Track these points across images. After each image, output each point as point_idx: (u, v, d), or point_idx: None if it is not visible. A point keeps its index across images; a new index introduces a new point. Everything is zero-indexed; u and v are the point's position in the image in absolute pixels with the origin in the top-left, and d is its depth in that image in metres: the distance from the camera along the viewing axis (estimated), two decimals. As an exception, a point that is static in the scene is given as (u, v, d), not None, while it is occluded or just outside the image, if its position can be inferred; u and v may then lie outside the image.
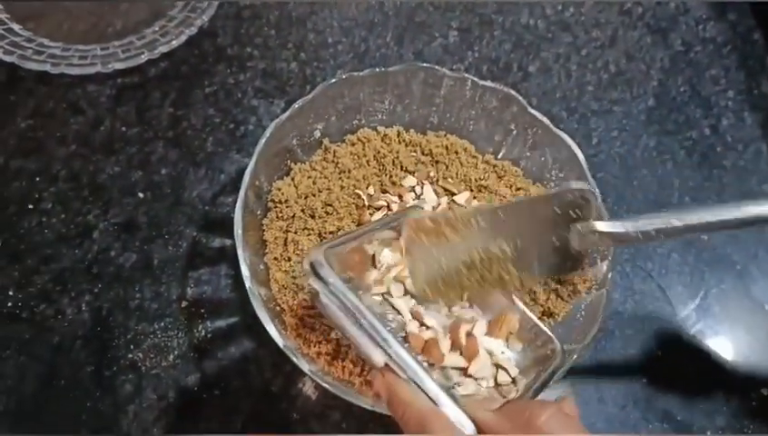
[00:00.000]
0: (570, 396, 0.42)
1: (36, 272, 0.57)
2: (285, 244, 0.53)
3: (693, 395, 0.57)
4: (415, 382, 0.38)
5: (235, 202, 0.59)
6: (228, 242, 0.59)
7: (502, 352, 0.47)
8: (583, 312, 0.51)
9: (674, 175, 0.67)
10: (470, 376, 0.45)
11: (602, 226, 0.44)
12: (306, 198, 0.54)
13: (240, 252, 0.48)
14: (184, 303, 0.57)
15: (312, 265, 0.41)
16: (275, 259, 0.52)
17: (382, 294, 0.47)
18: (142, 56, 0.64)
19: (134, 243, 0.59)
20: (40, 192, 0.60)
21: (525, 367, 0.47)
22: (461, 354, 0.45)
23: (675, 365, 0.58)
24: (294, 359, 0.45)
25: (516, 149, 0.59)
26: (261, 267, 0.52)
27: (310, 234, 0.53)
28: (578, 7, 0.77)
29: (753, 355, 0.59)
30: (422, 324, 0.46)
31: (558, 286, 0.53)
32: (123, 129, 0.64)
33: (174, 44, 0.66)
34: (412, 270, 0.44)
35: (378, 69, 0.57)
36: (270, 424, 0.53)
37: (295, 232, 0.53)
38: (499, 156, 0.60)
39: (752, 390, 0.57)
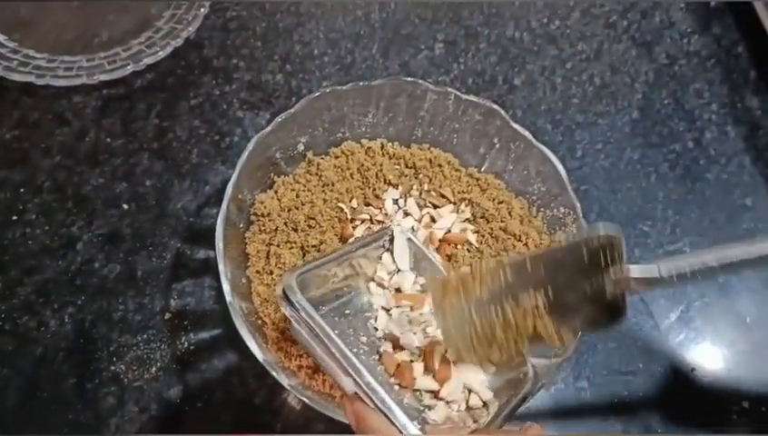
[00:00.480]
0: (535, 424, 0.42)
1: (20, 283, 0.57)
2: (267, 257, 0.53)
3: (674, 408, 0.57)
4: (384, 412, 0.39)
5: (219, 213, 0.60)
6: (212, 253, 0.60)
7: (475, 374, 0.47)
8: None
9: (658, 188, 0.68)
10: (442, 399, 0.45)
11: (636, 271, 0.41)
12: (289, 211, 0.55)
13: (221, 266, 0.48)
14: (168, 315, 0.57)
15: (284, 291, 0.41)
16: (257, 272, 0.53)
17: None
18: (128, 68, 0.65)
19: (118, 255, 0.59)
20: (24, 203, 0.60)
21: (497, 389, 0.46)
22: (434, 377, 0.45)
23: (657, 378, 0.58)
24: (274, 373, 0.45)
25: (499, 162, 0.60)
26: (243, 280, 0.52)
27: (292, 248, 0.53)
28: (564, 20, 0.78)
29: (735, 368, 0.59)
30: (396, 346, 0.46)
31: None
32: (108, 140, 0.64)
33: (161, 55, 0.66)
34: (445, 332, 0.43)
35: (362, 83, 0.58)
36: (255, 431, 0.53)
37: (278, 246, 0.53)
38: (482, 169, 0.61)
39: (733, 403, 0.58)
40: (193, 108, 0.67)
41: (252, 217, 0.55)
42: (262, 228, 0.54)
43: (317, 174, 0.58)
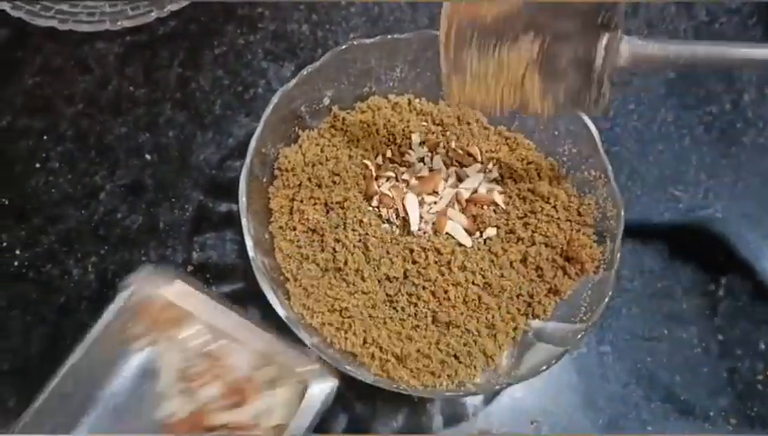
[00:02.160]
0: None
1: (43, 231, 0.58)
2: (291, 213, 0.53)
3: (697, 375, 0.57)
4: None
5: (242, 167, 0.60)
6: (234, 207, 0.60)
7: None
8: (589, 292, 0.52)
9: (692, 151, 0.66)
10: None
11: (627, 41, 0.44)
12: (313, 166, 0.55)
13: (244, 221, 0.48)
14: (190, 268, 0.58)
15: None
16: (280, 228, 0.53)
17: None
18: (152, 14, 0.64)
19: (141, 206, 0.60)
20: (47, 151, 0.61)
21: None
22: None
23: (681, 344, 0.58)
24: (296, 331, 0.46)
25: (529, 121, 0.59)
26: (266, 236, 0.52)
27: (315, 204, 0.53)
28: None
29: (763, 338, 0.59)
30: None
31: (566, 263, 0.53)
32: (131, 89, 0.64)
33: (184, 2, 0.66)
34: (446, 61, 0.46)
35: (390, 36, 0.57)
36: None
37: (301, 201, 0.53)
38: (512, 128, 0.60)
39: (758, 371, 0.58)
40: (217, 58, 0.66)
41: (276, 171, 0.55)
42: (286, 183, 0.54)
43: (342, 129, 0.57)
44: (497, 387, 0.47)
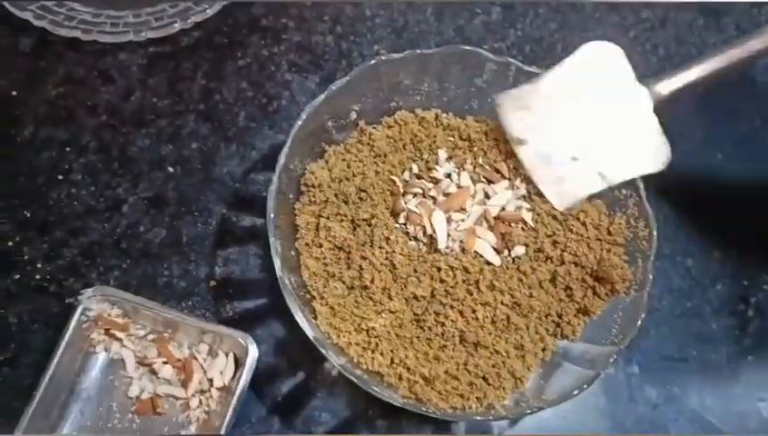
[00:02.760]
0: None
1: (65, 244, 0.57)
2: (317, 230, 0.52)
3: (726, 397, 0.57)
4: None
5: (267, 180, 0.60)
6: (258, 221, 0.60)
7: None
8: (620, 313, 0.51)
9: (721, 169, 0.65)
10: None
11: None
12: (340, 182, 0.54)
13: (272, 240, 0.48)
14: (212, 283, 0.57)
15: None
16: (306, 245, 0.52)
17: None
18: (175, 25, 0.64)
19: (163, 219, 0.59)
20: (70, 162, 0.60)
21: None
22: None
23: (710, 366, 0.57)
24: (324, 351, 0.45)
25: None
26: (292, 253, 0.52)
27: (342, 220, 0.52)
28: (628, -15, 0.75)
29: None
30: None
31: (596, 283, 0.52)
32: (154, 100, 0.64)
33: (209, 12, 0.65)
34: None
35: (418, 51, 0.56)
36: (295, 405, 0.54)
37: (327, 218, 0.52)
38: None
39: (789, 394, 0.57)
40: (241, 69, 0.66)
41: (302, 187, 0.54)
42: (312, 199, 0.54)
43: (369, 144, 0.57)
44: (528, 411, 0.46)
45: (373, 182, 0.54)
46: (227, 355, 0.53)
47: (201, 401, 0.52)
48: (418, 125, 0.58)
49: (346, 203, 0.53)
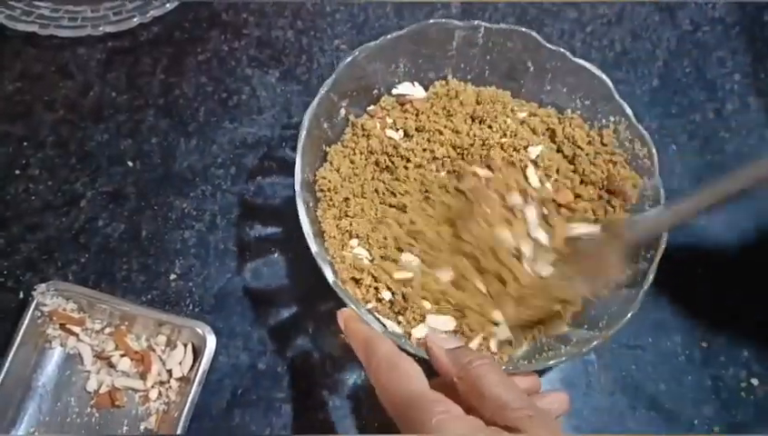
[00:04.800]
0: (564, 394, 0.44)
1: (22, 239, 0.57)
2: (342, 232, 0.52)
3: (681, 384, 0.58)
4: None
5: (226, 175, 0.60)
6: (218, 216, 0.60)
7: None
8: (614, 308, 0.51)
9: (676, 160, 0.67)
10: None
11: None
12: (350, 180, 0.55)
13: (320, 262, 0.48)
14: (172, 276, 0.57)
15: None
16: (336, 250, 0.52)
17: None
18: (134, 19, 0.64)
19: (122, 214, 0.59)
20: (27, 157, 0.60)
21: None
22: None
23: (666, 353, 0.59)
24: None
25: (534, 87, 0.60)
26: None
27: (364, 217, 0.53)
28: (586, -19, 0.76)
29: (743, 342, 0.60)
30: None
31: (611, 197, 0.56)
32: (113, 95, 0.64)
33: (168, 7, 0.65)
34: None
35: (389, 35, 0.56)
36: (256, 396, 0.54)
37: (353, 217, 0.53)
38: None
39: (741, 379, 0.58)
40: (200, 64, 0.66)
41: (318, 194, 0.54)
42: (330, 203, 0.54)
43: (364, 136, 0.57)
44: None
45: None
46: (185, 346, 0.53)
47: (160, 392, 0.53)
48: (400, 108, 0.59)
49: (363, 196, 0.54)
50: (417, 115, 0.58)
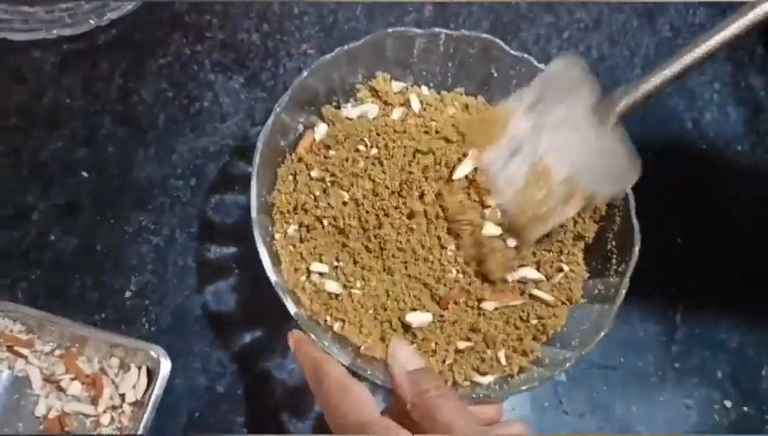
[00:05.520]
0: (524, 424, 0.43)
1: (-31, 254, 0.55)
2: (302, 257, 0.50)
3: (653, 405, 0.57)
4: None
5: (186, 186, 0.58)
6: (177, 230, 0.58)
7: None
8: (586, 324, 0.50)
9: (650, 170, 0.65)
10: None
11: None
12: (303, 207, 0.52)
13: (280, 293, 0.46)
14: (128, 294, 0.56)
15: None
16: (298, 278, 0.50)
17: None
18: (90, 22, 0.61)
19: (76, 227, 0.57)
20: (-25, 167, 0.58)
21: None
22: None
23: (637, 373, 0.58)
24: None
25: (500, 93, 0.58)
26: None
27: (326, 237, 0.51)
28: (563, -15, 0.74)
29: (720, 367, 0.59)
30: None
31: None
32: (68, 101, 0.61)
33: (127, 8, 0.63)
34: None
35: (347, 46, 0.55)
36: (212, 421, 0.53)
37: (314, 240, 0.50)
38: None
39: (715, 401, 0.57)
40: (161, 68, 0.64)
41: (276, 217, 0.51)
42: (286, 226, 0.51)
43: (314, 152, 0.54)
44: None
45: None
46: (139, 369, 0.51)
47: (112, 417, 0.51)
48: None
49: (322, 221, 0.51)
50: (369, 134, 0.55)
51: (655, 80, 0.45)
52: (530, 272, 0.51)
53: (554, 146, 0.48)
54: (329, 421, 0.39)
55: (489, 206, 0.50)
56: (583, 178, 0.48)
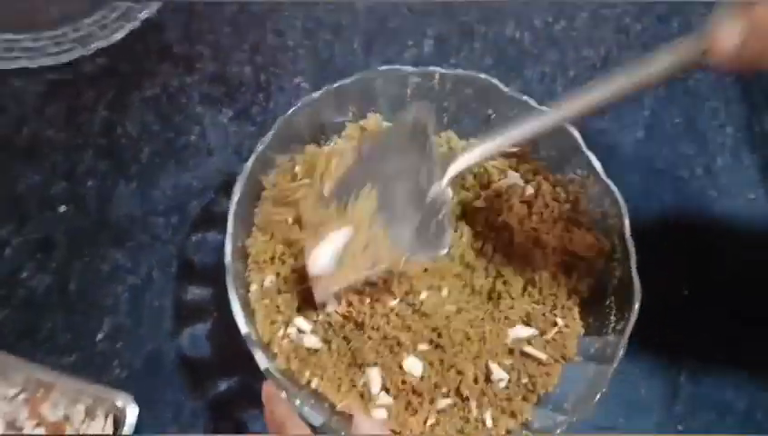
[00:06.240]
0: None
1: (-64, 289, 0.54)
2: (279, 309, 0.49)
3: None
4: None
5: (167, 224, 0.57)
6: (155, 269, 0.57)
7: None
8: (581, 385, 0.48)
9: (657, 220, 0.64)
10: None
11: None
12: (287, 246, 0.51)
13: (251, 347, 0.45)
14: (100, 336, 0.54)
15: None
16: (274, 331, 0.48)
17: None
18: (75, 51, 0.61)
19: (50, 264, 0.56)
20: (-52, 198, 0.57)
21: None
22: None
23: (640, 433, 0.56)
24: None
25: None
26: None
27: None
28: (570, 21, 0.73)
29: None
30: None
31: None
32: (50, 132, 0.61)
33: (115, 37, 0.63)
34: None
35: (336, 84, 0.54)
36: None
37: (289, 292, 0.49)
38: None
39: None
40: (147, 100, 0.63)
41: (252, 265, 0.50)
42: (262, 276, 0.50)
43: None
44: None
45: None
46: (106, 417, 0.50)
47: None
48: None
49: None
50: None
51: (491, 146, 0.45)
52: (522, 331, 0.50)
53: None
54: None
55: None
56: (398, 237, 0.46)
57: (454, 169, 0.46)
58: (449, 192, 0.47)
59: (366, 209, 0.46)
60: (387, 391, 0.47)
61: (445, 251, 0.45)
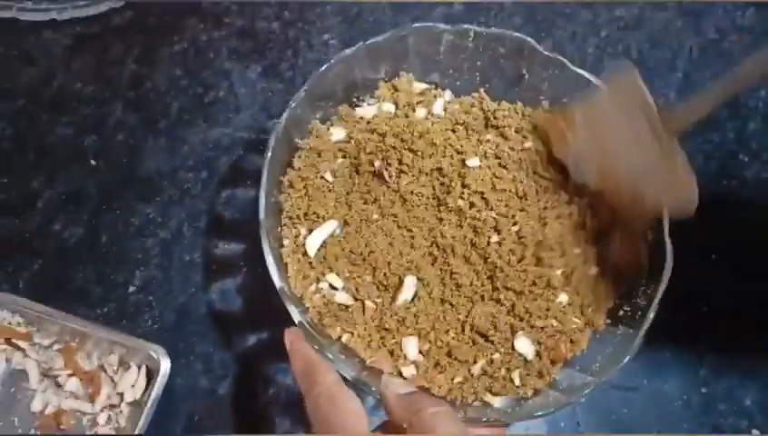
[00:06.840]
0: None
1: (-29, 241, 0.56)
2: (311, 265, 0.50)
3: (675, 430, 0.56)
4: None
5: (196, 179, 0.58)
6: (185, 224, 0.58)
7: None
8: (609, 348, 0.49)
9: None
10: None
11: None
12: (319, 202, 0.52)
13: (285, 300, 0.45)
14: (131, 289, 0.56)
15: None
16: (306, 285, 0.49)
17: None
18: (105, 3, 0.62)
19: (81, 217, 0.58)
20: (-20, 151, 0.59)
21: None
22: None
23: (660, 396, 0.57)
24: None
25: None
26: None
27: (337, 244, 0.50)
28: (603, -21, 0.73)
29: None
30: None
31: None
32: (78, 85, 0.62)
33: (143, -10, 0.63)
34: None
35: (370, 41, 0.54)
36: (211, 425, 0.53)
37: (323, 247, 0.50)
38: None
39: (742, 429, 0.56)
40: (175, 55, 0.64)
41: (285, 220, 0.51)
42: (297, 231, 0.51)
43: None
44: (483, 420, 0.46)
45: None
46: (139, 368, 0.52)
47: (109, 417, 0.52)
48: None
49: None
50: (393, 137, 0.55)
51: (713, 99, 0.46)
52: (564, 297, 0.51)
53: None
54: (315, 429, 0.38)
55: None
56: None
57: (683, 123, 0.48)
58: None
59: None
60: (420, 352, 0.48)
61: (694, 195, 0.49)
